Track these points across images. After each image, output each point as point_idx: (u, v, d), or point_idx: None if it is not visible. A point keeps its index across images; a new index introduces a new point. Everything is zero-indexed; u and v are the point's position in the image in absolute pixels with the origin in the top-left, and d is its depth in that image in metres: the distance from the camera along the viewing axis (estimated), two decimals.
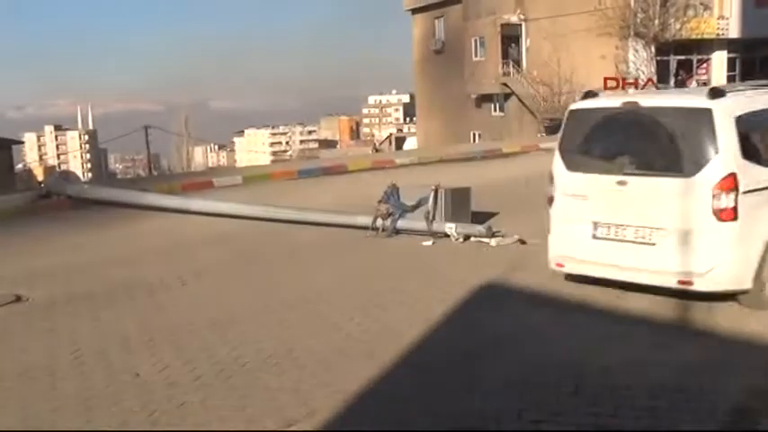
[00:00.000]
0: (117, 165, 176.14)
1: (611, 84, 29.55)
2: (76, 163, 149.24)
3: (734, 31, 32.05)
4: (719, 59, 33.45)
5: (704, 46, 33.13)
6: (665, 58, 32.13)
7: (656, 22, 29.46)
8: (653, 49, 29.98)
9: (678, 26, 29.95)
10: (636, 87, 31.13)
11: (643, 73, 30.28)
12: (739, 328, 5.99)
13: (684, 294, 6.82)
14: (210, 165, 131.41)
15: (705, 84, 33.59)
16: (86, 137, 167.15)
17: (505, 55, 35.92)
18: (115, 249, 10.61)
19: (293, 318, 6.87)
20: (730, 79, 33.73)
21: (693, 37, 31.47)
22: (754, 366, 5.26)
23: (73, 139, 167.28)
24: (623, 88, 30.37)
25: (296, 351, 5.95)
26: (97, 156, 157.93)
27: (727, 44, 33.04)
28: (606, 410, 4.62)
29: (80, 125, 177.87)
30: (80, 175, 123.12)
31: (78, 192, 15.01)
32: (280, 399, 5.04)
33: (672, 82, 33.00)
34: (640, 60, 30.42)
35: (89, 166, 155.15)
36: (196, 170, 60.28)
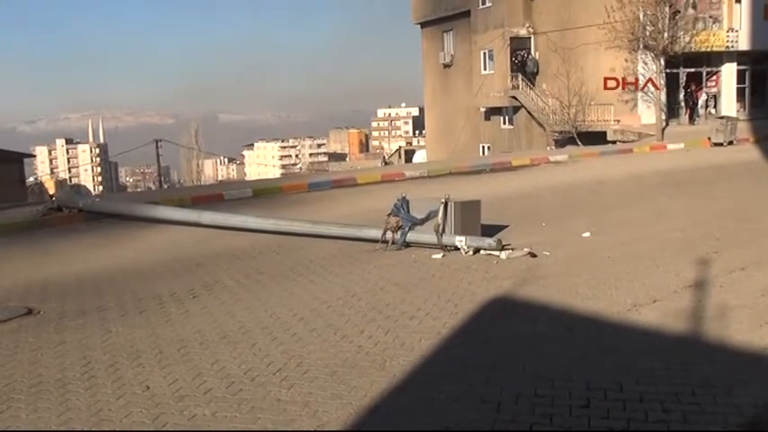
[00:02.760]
0: (127, 178, 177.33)
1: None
2: (87, 176, 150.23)
3: (743, 44, 32.03)
4: (729, 72, 33.40)
5: (714, 58, 33.11)
6: (675, 70, 32.10)
7: (666, 35, 29.42)
8: (662, 61, 29.94)
9: (687, 39, 29.92)
10: (636, 87, 31.49)
11: (651, 85, 30.24)
12: (752, 341, 5.94)
13: (697, 306, 6.82)
14: (220, 177, 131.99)
15: (715, 96, 33.56)
16: (97, 150, 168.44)
17: (521, 68, 35.99)
18: (126, 262, 10.65)
19: (303, 330, 6.87)
20: (740, 91, 33.69)
21: (703, 49, 31.44)
22: (767, 380, 5.22)
23: (84, 152, 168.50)
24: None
25: (306, 364, 5.94)
26: (108, 169, 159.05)
27: (737, 56, 33.01)
28: (619, 424, 4.59)
29: (91, 139, 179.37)
30: (91, 189, 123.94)
31: (89, 205, 15.10)
32: (290, 411, 5.03)
33: (681, 95, 32.96)
34: (650, 73, 30.37)
35: (100, 179, 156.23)
36: (206, 183, 60.59)
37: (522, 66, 35.90)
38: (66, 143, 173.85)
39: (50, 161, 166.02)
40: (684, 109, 33.34)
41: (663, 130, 29.36)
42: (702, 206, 13.09)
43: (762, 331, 6.16)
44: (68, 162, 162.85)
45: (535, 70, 34.78)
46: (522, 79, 35.63)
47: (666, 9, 29.52)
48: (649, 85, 29.87)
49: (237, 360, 6.12)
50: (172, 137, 70.56)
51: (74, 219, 14.58)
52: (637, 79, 30.88)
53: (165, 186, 66.30)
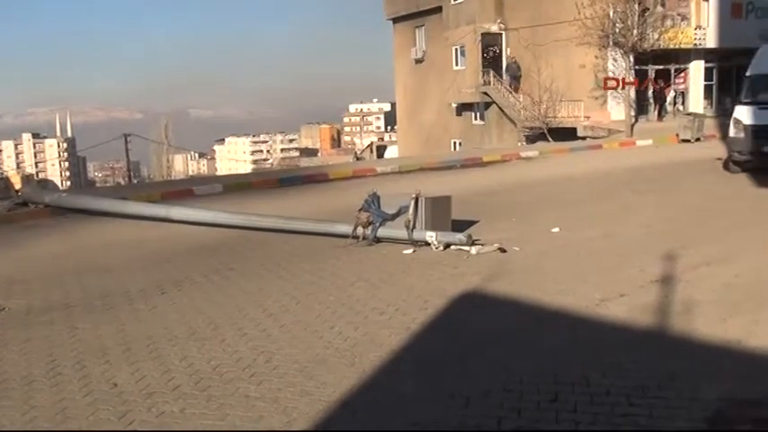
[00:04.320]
0: (96, 173, 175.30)
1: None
2: (55, 171, 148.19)
3: (711, 41, 32.44)
4: (697, 69, 33.82)
5: (682, 55, 33.49)
6: (644, 67, 32.41)
7: (635, 32, 29.67)
8: (632, 58, 30.20)
9: (656, 36, 30.21)
10: (636, 86, 31.83)
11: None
12: (717, 335, 6.04)
13: (663, 301, 6.92)
14: (191, 173, 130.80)
15: (683, 93, 33.99)
16: (65, 145, 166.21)
17: (492, 65, 36.01)
18: (93, 258, 10.52)
19: (273, 326, 6.84)
20: (708, 88, 34.13)
21: (671, 47, 31.78)
22: (731, 373, 5.30)
23: (51, 147, 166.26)
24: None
25: (275, 360, 5.93)
26: (76, 164, 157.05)
27: (705, 54, 33.43)
28: (586, 417, 4.64)
29: (58, 133, 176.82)
30: (59, 184, 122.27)
31: (56, 200, 14.88)
32: (259, 407, 5.02)
33: (650, 92, 33.31)
34: (620, 70, 30.62)
35: (68, 174, 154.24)
36: (176, 178, 60.02)
37: (496, 64, 35.99)
38: (33, 137, 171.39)
39: (17, 156, 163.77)
40: (653, 106, 33.69)
41: (632, 126, 29.63)
42: (670, 202, 13.25)
43: (726, 325, 6.25)
44: (35, 157, 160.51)
45: (519, 74, 34.56)
46: (494, 75, 35.76)
47: (636, 6, 29.77)
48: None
49: (206, 356, 6.08)
50: (142, 132, 69.70)
51: (40, 214, 14.36)
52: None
53: (135, 181, 65.65)
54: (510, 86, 34.40)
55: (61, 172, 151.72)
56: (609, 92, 31.61)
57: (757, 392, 4.90)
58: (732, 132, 16.56)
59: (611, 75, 30.99)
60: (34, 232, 12.91)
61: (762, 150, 15.58)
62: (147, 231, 12.35)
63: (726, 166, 16.97)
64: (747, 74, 17.12)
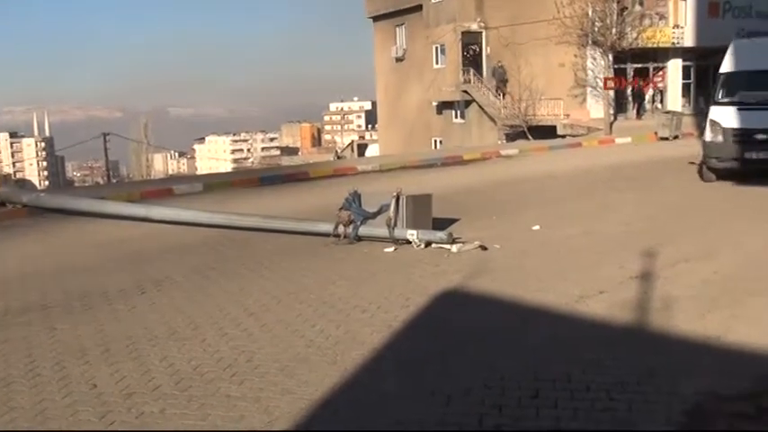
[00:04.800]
0: (75, 172, 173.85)
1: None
2: (33, 171, 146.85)
3: (689, 40, 32.72)
4: (675, 67, 34.11)
5: (660, 54, 33.77)
6: (623, 66, 32.66)
7: (614, 30, 29.92)
8: (611, 57, 30.45)
9: (635, 35, 30.46)
10: (635, 86, 32.08)
11: (600, 80, 30.74)
12: (696, 331, 6.09)
13: (642, 297, 6.98)
14: (171, 172, 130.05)
15: (661, 92, 34.26)
16: (43, 144, 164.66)
17: (471, 63, 36.08)
18: (72, 258, 10.43)
19: (254, 326, 6.82)
20: (686, 87, 34.42)
21: (650, 45, 32.04)
22: (710, 368, 5.35)
23: (29, 146, 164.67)
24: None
25: (257, 359, 5.91)
26: (54, 163, 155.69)
27: (682, 53, 33.72)
28: (566, 413, 4.67)
29: (36, 132, 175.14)
30: (37, 184, 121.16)
31: (34, 200, 14.75)
32: (240, 407, 5.00)
33: (628, 90, 33.53)
34: (599, 68, 30.87)
35: (46, 173, 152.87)
36: (156, 177, 59.66)
37: (476, 62, 36.07)
38: (10, 137, 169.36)
39: None
40: (632, 104, 33.94)
41: (611, 124, 29.86)
42: (649, 200, 13.36)
43: (704, 321, 6.31)
44: (12, 156, 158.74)
45: (505, 78, 34.50)
46: (474, 74, 35.86)
47: (614, 5, 30.02)
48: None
49: (187, 356, 6.05)
50: (121, 131, 69.32)
51: (18, 214, 14.23)
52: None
53: (114, 181, 65.16)
54: (497, 91, 34.38)
55: (39, 171, 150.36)
56: (588, 90, 31.83)
57: (735, 387, 4.95)
58: (709, 136, 14.78)
59: (590, 73, 31.22)
60: (12, 232, 12.78)
61: (745, 157, 14.05)
62: (127, 231, 12.27)
63: (700, 173, 15.34)
64: (722, 71, 15.54)
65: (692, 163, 16.44)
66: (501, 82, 34.47)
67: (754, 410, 4.65)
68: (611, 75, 30.60)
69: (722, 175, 14.61)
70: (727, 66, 15.47)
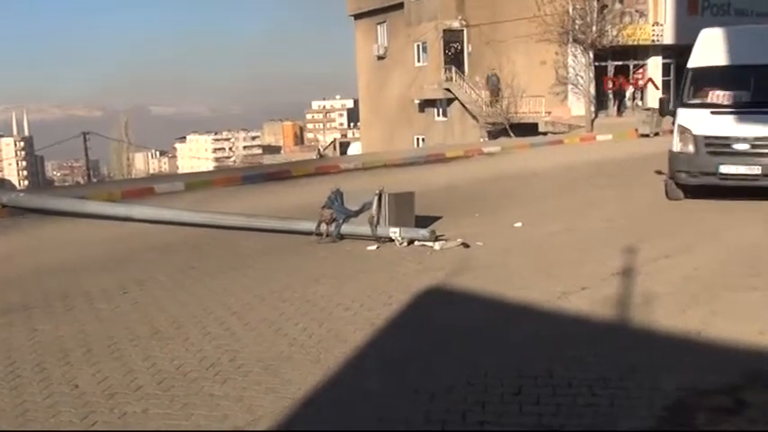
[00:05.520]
0: (55, 172, 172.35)
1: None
2: (12, 171, 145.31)
3: (668, 38, 32.99)
4: (655, 65, 34.37)
5: (640, 52, 34.03)
6: (603, 63, 32.86)
7: (594, 28, 30.12)
8: (591, 54, 30.63)
9: (615, 33, 30.67)
10: (636, 87, 32.25)
11: (581, 78, 30.92)
12: (677, 326, 6.14)
13: (623, 294, 7.02)
14: (152, 171, 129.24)
15: (642, 89, 34.49)
16: (22, 144, 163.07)
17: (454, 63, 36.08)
18: (52, 258, 10.35)
19: (237, 325, 6.80)
20: (665, 84, 34.66)
21: (630, 43, 32.27)
22: (691, 364, 5.39)
23: (8, 145, 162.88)
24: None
25: (240, 358, 5.89)
26: (33, 163, 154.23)
27: (662, 50, 33.98)
28: (549, 410, 4.69)
29: (15, 132, 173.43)
30: (16, 183, 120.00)
31: (13, 200, 14.62)
32: (223, 406, 4.98)
33: (609, 85, 33.72)
34: (579, 66, 31.05)
35: (25, 173, 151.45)
36: (137, 177, 59.29)
37: (458, 60, 36.09)
38: None
39: None
40: (612, 101, 34.15)
41: (592, 121, 30.05)
42: (631, 197, 13.45)
43: (685, 317, 6.37)
44: None
45: (499, 86, 33.80)
46: (456, 71, 35.91)
47: (594, 3, 30.21)
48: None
49: (169, 356, 6.02)
50: (101, 130, 68.80)
51: None
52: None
53: (95, 180, 64.66)
54: (491, 98, 34.25)
55: (18, 171, 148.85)
56: (570, 87, 31.99)
57: (716, 382, 5.00)
58: (677, 146, 12.10)
59: (571, 71, 31.38)
60: None
61: (721, 171, 11.59)
62: (109, 231, 12.19)
63: (666, 190, 12.67)
64: (690, 65, 13.01)
65: (660, 172, 13.99)
66: (494, 90, 34.48)
67: (735, 404, 4.70)
68: (592, 72, 30.76)
69: (692, 192, 12.23)
70: (696, 60, 12.92)
